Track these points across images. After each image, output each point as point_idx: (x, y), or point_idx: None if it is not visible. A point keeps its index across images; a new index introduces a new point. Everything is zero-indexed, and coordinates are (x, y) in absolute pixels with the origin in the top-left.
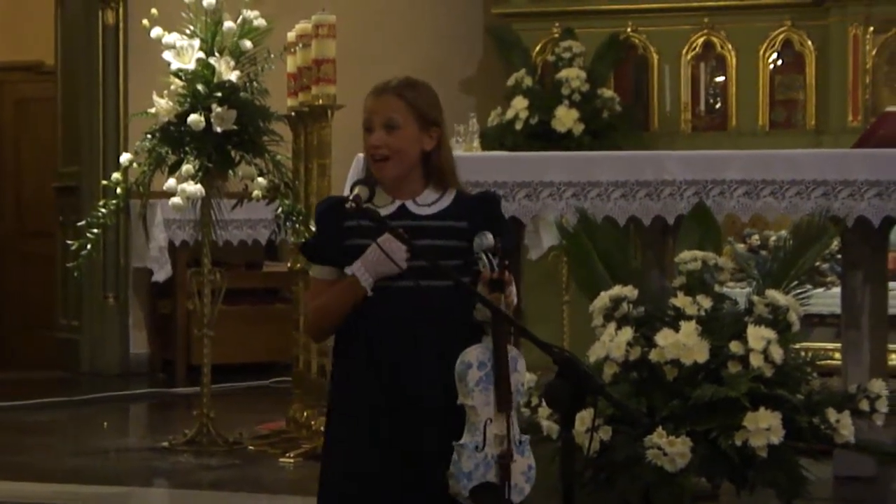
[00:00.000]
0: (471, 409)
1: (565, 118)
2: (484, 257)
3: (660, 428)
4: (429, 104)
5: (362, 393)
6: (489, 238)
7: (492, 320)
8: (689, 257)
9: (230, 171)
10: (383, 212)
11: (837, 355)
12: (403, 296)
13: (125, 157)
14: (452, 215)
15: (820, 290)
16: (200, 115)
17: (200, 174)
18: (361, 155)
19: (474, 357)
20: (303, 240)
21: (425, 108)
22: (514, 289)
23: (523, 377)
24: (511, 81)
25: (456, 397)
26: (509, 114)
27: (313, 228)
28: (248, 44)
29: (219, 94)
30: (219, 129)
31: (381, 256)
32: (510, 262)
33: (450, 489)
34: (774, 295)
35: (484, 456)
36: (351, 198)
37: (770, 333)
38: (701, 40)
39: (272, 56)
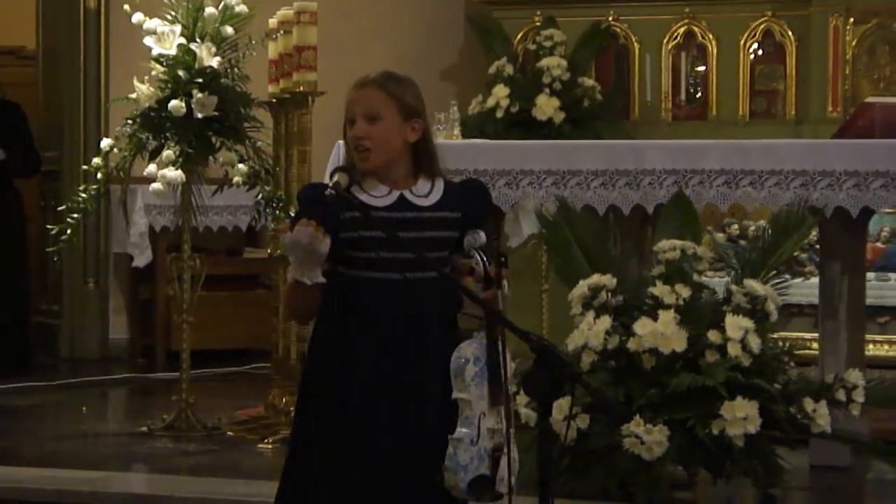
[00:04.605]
0: (466, 404)
1: (546, 107)
2: (477, 255)
3: (637, 416)
4: (410, 95)
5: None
6: (482, 236)
7: (481, 314)
8: (668, 246)
9: (211, 157)
10: (382, 202)
11: (815, 345)
12: (393, 288)
13: (106, 143)
14: (447, 206)
15: (798, 279)
16: (181, 100)
17: (181, 160)
18: (341, 142)
19: (470, 352)
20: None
21: (406, 99)
22: (506, 282)
23: (509, 373)
24: (492, 70)
25: (449, 387)
26: (490, 102)
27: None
28: (229, 30)
29: (200, 80)
30: (199, 115)
31: (294, 247)
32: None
33: (445, 482)
34: (753, 284)
35: (478, 449)
36: (331, 185)
37: (748, 323)
38: (682, 30)
39: (253, 42)
